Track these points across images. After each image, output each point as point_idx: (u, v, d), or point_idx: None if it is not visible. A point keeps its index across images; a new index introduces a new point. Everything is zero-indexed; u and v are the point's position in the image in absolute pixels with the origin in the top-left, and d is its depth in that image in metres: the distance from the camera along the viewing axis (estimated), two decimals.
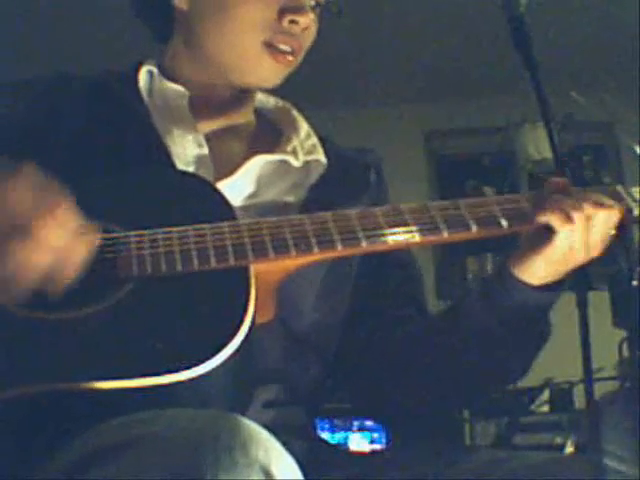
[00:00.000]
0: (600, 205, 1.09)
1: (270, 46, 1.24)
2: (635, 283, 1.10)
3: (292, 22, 1.24)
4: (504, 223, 1.11)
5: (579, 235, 1.08)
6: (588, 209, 1.08)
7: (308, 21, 1.25)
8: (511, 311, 1.14)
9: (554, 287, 1.13)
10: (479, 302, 1.16)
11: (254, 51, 1.24)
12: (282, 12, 1.23)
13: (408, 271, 1.35)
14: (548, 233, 1.09)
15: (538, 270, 1.12)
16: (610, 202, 1.11)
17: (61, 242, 0.95)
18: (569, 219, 1.08)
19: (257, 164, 1.26)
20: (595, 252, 1.11)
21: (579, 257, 1.10)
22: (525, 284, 1.13)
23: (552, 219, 1.08)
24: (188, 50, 1.30)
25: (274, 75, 1.27)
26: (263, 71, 1.26)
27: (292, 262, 1.09)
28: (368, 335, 1.29)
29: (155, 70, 1.31)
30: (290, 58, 1.25)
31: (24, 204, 0.95)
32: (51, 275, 0.95)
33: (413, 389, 1.25)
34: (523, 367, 1.21)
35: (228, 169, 1.24)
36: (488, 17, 1.84)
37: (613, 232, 1.11)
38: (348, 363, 1.30)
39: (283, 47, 1.24)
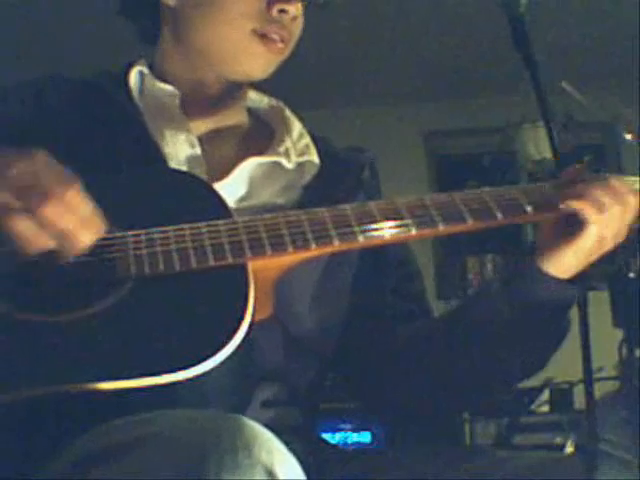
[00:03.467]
0: (630, 192, 1.08)
1: (260, 34, 1.23)
2: (632, 275, 1.10)
3: (281, 11, 1.24)
4: (499, 215, 1.11)
5: (613, 225, 1.07)
6: (627, 197, 1.07)
7: (297, 10, 1.25)
8: (538, 306, 1.12)
9: (581, 280, 1.12)
10: (501, 299, 1.14)
11: (244, 40, 1.24)
12: (271, 1, 1.23)
13: (407, 268, 1.35)
14: (574, 224, 1.08)
15: (568, 262, 1.11)
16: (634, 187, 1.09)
17: (68, 226, 0.96)
18: (602, 209, 1.06)
19: (249, 166, 1.26)
20: (620, 239, 1.10)
21: (607, 246, 1.09)
22: (555, 278, 1.12)
23: (585, 210, 1.07)
24: (177, 47, 1.30)
25: (264, 64, 1.26)
26: (253, 60, 1.25)
27: (289, 258, 1.08)
28: (369, 334, 1.28)
29: (146, 70, 1.31)
30: (280, 45, 1.25)
31: (36, 181, 0.95)
32: (52, 254, 0.96)
33: (416, 389, 1.24)
34: (540, 364, 1.19)
35: (220, 171, 1.24)
36: (488, 17, 1.85)
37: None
38: (348, 363, 1.30)
39: (273, 36, 1.24)
